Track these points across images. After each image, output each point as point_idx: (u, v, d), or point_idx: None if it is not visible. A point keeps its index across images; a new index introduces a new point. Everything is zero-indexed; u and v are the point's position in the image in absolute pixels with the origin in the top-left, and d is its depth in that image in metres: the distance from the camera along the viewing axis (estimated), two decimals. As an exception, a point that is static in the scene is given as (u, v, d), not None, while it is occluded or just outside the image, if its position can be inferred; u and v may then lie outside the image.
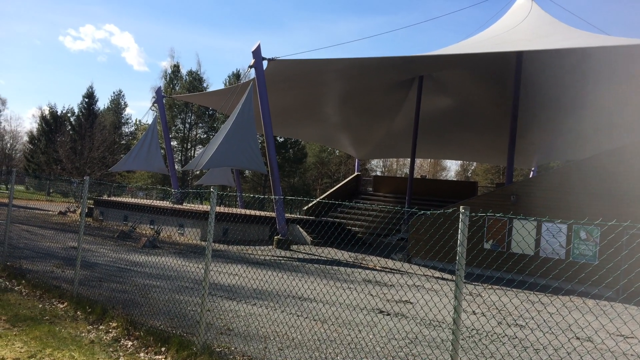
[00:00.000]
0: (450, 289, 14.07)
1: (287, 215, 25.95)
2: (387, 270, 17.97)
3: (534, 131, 31.08)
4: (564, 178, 18.84)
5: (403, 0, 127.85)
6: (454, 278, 4.57)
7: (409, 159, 32.56)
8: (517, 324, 10.22)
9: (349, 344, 7.51)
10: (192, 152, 65.60)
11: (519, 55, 22.41)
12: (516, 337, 8.96)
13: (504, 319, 10.60)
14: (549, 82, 25.06)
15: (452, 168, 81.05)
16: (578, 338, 9.31)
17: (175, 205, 26.76)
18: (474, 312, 10.97)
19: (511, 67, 22.85)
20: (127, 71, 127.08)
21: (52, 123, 65.19)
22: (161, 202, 31.45)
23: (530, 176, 40.10)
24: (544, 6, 27.29)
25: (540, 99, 26.67)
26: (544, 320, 10.40)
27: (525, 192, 19.74)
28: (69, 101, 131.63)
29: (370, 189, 40.24)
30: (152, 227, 23.73)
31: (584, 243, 17.44)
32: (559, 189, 18.59)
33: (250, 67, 22.34)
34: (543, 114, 28.76)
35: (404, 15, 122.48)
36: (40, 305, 8.22)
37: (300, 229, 25.92)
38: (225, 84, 62.56)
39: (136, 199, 35.24)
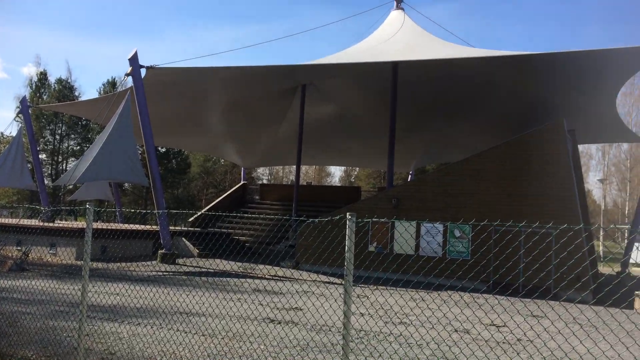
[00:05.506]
0: (340, 294, 14.35)
1: (171, 228, 25.01)
2: (277, 278, 17.94)
3: (412, 136, 32.77)
4: (439, 180, 20.06)
5: (276, 9, 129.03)
6: (343, 282, 4.63)
7: (295, 166, 32.85)
8: (402, 323, 10.64)
9: (240, 357, 7.35)
10: (64, 165, 61.14)
11: (394, 65, 23.54)
12: (402, 336, 9.32)
13: (391, 318, 10.99)
14: (423, 90, 26.62)
15: (336, 174, 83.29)
16: (457, 331, 9.89)
17: (45, 224, 24.75)
18: (362, 314, 11.26)
19: (388, 76, 23.93)
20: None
21: None
22: (29, 220, 28.93)
23: (409, 179, 42.28)
24: (414, 18, 29.03)
25: (416, 106, 28.21)
26: (427, 318, 10.94)
27: (404, 195, 20.73)
28: None
29: (257, 197, 40.06)
30: (19, 248, 21.75)
31: (459, 241, 18.67)
32: (435, 190, 19.75)
33: (127, 75, 21.30)
34: (419, 120, 30.47)
35: (279, 25, 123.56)
36: None
37: (186, 241, 25.11)
38: (100, 93, 59.10)
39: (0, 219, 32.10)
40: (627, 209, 49.17)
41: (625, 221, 46.97)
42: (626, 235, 30.10)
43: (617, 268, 26.99)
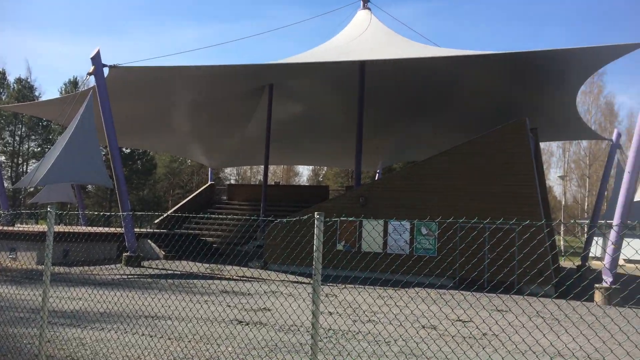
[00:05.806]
0: (308, 293, 14.34)
1: (136, 230, 24.56)
2: (245, 279, 17.83)
3: (379, 136, 33.00)
4: (406, 179, 20.26)
5: (243, 9, 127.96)
6: (311, 282, 4.61)
7: (263, 166, 32.70)
8: (371, 320, 10.70)
9: (207, 359, 7.27)
10: (25, 167, 59.50)
11: (361, 65, 23.66)
12: (370, 333, 9.37)
13: (359, 317, 11.04)
14: (390, 89, 26.83)
15: (304, 173, 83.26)
16: (424, 327, 10.00)
17: (5, 227, 24.02)
18: (330, 313, 11.28)
19: (355, 75, 24.02)
20: None
21: None
22: (-12, 224, 27.98)
23: (376, 178, 42.56)
24: (380, 17, 29.20)
25: (383, 106, 28.41)
26: (395, 315, 11.03)
27: (372, 194, 20.86)
28: None
29: (225, 197, 39.71)
30: (-23, 253, 21.03)
31: (425, 238, 18.89)
32: (402, 188, 19.94)
33: (90, 74, 20.80)
34: (386, 120, 30.71)
35: (245, 24, 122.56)
36: None
37: (152, 243, 24.70)
38: (61, 93, 57.64)
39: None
40: (586, 204, 50.62)
41: (585, 216, 48.37)
42: (586, 230, 30.97)
43: (577, 262, 27.76)
